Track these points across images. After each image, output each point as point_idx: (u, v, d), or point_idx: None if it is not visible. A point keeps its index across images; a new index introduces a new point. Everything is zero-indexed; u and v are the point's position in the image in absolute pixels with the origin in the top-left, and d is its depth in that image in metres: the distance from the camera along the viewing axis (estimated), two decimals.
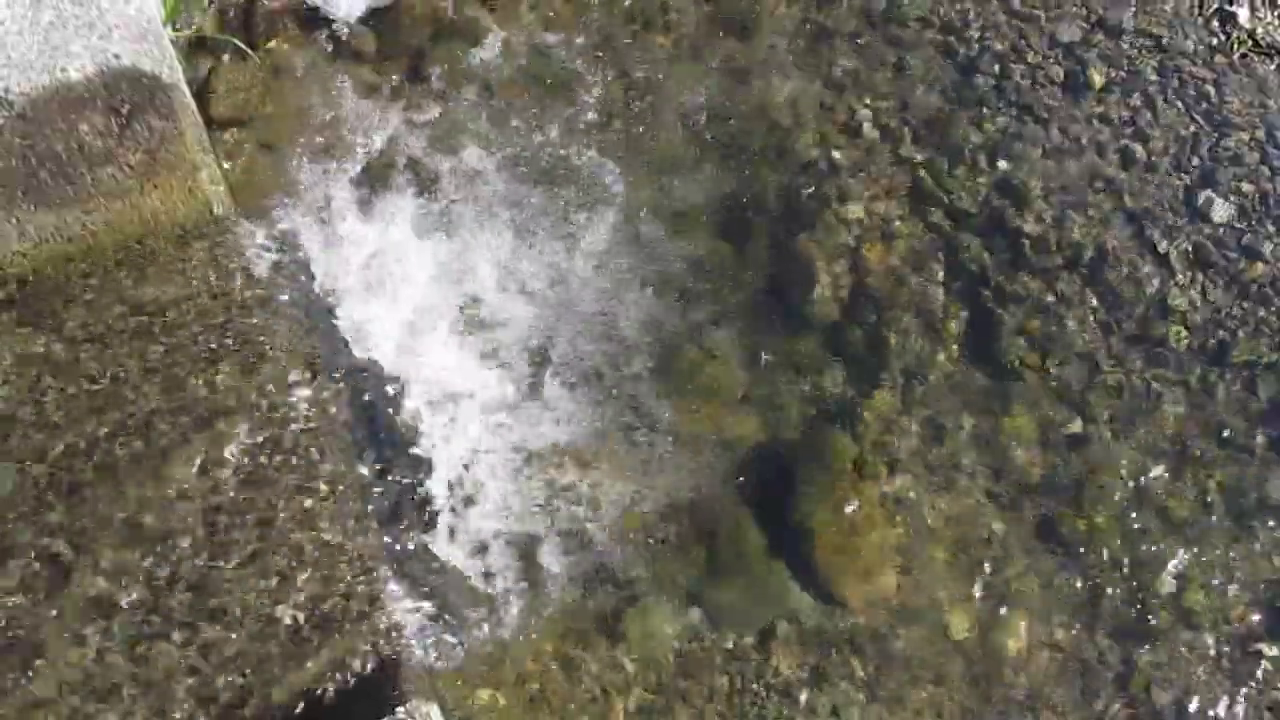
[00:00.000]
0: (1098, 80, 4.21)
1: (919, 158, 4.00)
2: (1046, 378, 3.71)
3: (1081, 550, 3.53)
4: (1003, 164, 3.99)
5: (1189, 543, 3.54)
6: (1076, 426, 3.67)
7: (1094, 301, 3.81)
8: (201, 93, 3.72)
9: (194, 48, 3.82)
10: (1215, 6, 4.37)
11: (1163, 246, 3.89)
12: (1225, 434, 3.67)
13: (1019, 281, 3.81)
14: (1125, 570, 3.51)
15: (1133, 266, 3.85)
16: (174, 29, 3.65)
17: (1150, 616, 3.46)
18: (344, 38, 4.04)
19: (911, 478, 3.58)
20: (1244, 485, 3.61)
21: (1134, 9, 4.38)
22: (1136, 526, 3.55)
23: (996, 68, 4.20)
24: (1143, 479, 3.61)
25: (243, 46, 3.84)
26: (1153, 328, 3.78)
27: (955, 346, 3.74)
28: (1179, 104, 4.17)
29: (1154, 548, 3.52)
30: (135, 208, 3.00)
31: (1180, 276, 3.84)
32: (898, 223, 3.89)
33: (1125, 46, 4.29)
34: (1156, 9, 4.40)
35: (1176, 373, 3.74)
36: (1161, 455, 3.64)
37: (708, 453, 3.56)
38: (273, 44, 3.98)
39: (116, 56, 2.90)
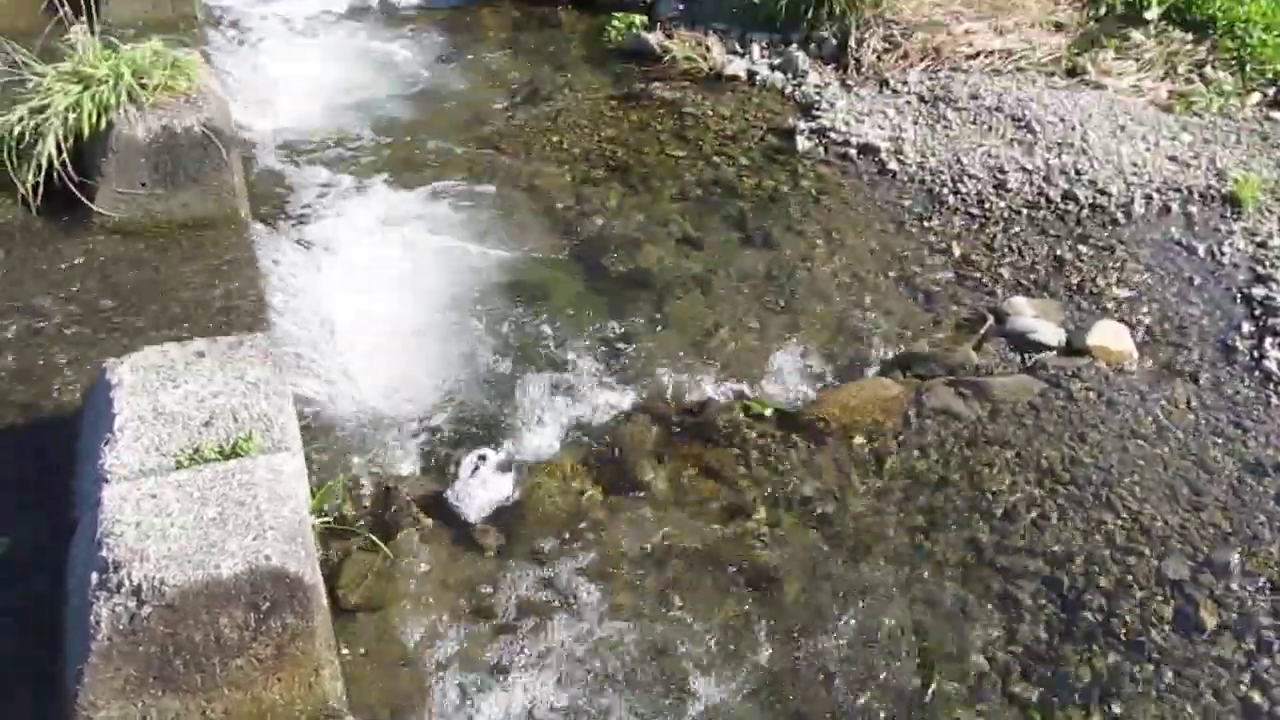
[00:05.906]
0: (1209, 621, 4.17)
1: (1029, 693, 3.93)
2: None
3: None
4: (1115, 706, 3.89)
5: None
6: None
7: None
8: (331, 576, 3.93)
9: (329, 533, 4.08)
10: None
11: None
12: None
13: None
14: None
15: None
16: (317, 518, 3.93)
17: None
18: (470, 533, 4.30)
19: None
20: None
21: (1240, 550, 4.43)
22: None
23: (1104, 602, 4.21)
24: None
25: (376, 540, 4.09)
26: None
27: None
28: None
29: None
30: (256, 699, 3.10)
31: None
32: None
33: (1235, 587, 4.29)
34: (1263, 550, 4.45)
35: None
36: None
37: None
38: (403, 534, 4.24)
39: (267, 557, 3.13)
